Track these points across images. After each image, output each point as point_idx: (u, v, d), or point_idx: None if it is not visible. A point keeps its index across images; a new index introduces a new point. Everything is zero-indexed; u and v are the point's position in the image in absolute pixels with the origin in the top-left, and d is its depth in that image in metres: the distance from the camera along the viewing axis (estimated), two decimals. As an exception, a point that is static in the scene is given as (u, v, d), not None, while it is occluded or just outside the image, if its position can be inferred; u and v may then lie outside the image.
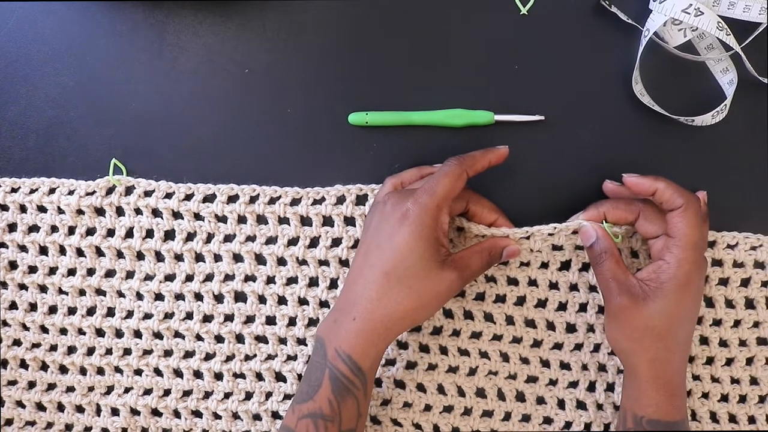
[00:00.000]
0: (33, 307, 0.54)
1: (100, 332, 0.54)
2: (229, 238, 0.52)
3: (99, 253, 0.53)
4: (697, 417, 0.51)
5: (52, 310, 0.54)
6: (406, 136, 0.51)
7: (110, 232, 0.52)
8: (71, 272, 0.53)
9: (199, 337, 0.53)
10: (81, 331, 0.54)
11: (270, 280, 0.52)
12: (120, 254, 0.53)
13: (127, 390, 0.54)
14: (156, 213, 0.52)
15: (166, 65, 0.51)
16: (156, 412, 0.54)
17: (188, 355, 0.53)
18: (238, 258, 0.52)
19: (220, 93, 0.51)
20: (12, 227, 0.53)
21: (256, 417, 0.53)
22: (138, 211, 0.52)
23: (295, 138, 0.51)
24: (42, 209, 0.53)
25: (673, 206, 0.43)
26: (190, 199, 0.52)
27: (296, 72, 0.51)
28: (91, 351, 0.54)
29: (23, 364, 0.54)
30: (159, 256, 0.52)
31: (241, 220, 0.52)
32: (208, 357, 0.53)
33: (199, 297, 0.52)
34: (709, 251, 0.49)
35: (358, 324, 0.43)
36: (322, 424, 0.43)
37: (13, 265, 0.53)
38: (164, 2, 0.51)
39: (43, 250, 0.53)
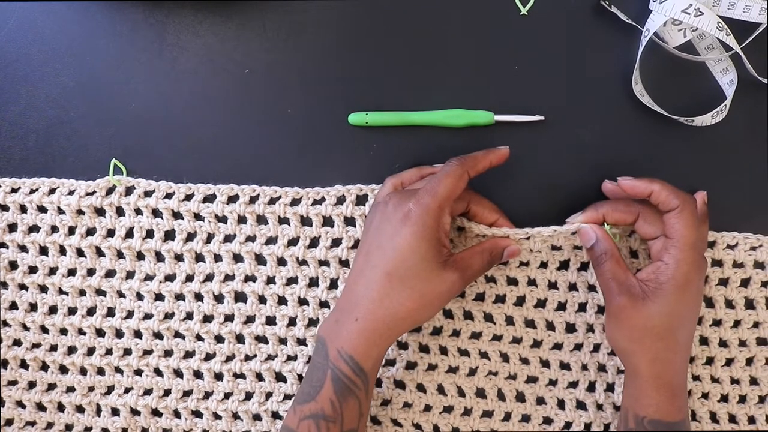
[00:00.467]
0: (33, 307, 0.54)
1: (100, 332, 0.54)
2: (229, 239, 0.52)
3: (99, 253, 0.53)
4: (697, 417, 0.51)
5: (53, 310, 0.54)
6: (406, 136, 0.51)
7: (110, 233, 0.52)
8: (71, 272, 0.53)
9: (199, 338, 0.53)
10: (81, 332, 0.54)
11: (270, 281, 0.52)
12: (120, 254, 0.53)
13: (127, 390, 0.54)
14: (156, 213, 0.52)
15: (166, 65, 0.51)
16: (156, 412, 0.54)
17: (188, 355, 0.53)
18: (238, 258, 0.52)
19: (220, 93, 0.51)
20: (12, 227, 0.53)
21: (256, 417, 0.53)
22: (138, 212, 0.52)
23: (295, 138, 0.51)
24: (42, 209, 0.53)
25: (669, 207, 0.43)
26: (190, 200, 0.52)
27: (296, 72, 0.51)
28: (91, 351, 0.54)
29: (23, 364, 0.54)
30: (159, 257, 0.52)
31: (241, 220, 0.52)
32: (208, 357, 0.53)
33: (199, 297, 0.52)
34: (709, 251, 0.49)
35: (360, 324, 0.43)
36: (324, 425, 0.43)
37: (13, 265, 0.53)
38: (164, 2, 0.51)
39: (44, 251, 0.53)
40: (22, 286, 0.54)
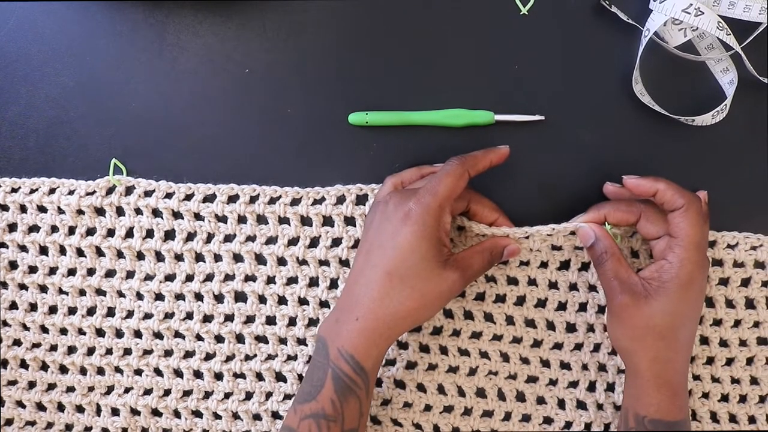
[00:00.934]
0: (33, 307, 0.54)
1: (100, 332, 0.54)
2: (229, 238, 0.52)
3: (99, 253, 0.53)
4: (698, 417, 0.51)
5: (53, 310, 0.54)
6: (406, 136, 0.51)
7: (110, 232, 0.52)
8: (71, 272, 0.53)
9: (199, 337, 0.53)
10: (81, 331, 0.54)
11: (270, 280, 0.52)
12: (120, 254, 0.53)
13: (127, 390, 0.54)
14: (156, 213, 0.52)
15: (166, 65, 0.51)
16: (156, 412, 0.54)
17: (188, 355, 0.53)
18: (238, 258, 0.52)
19: (220, 93, 0.51)
20: (12, 227, 0.53)
21: (257, 417, 0.53)
22: (138, 211, 0.52)
23: (295, 138, 0.51)
24: (42, 209, 0.53)
25: (674, 207, 0.43)
26: (190, 199, 0.52)
27: (296, 72, 0.51)
28: (91, 351, 0.54)
29: (23, 364, 0.54)
30: (159, 256, 0.52)
31: (242, 220, 0.52)
32: (208, 357, 0.53)
33: (199, 297, 0.52)
34: (710, 251, 0.49)
35: (361, 324, 0.43)
36: (324, 424, 0.43)
37: (13, 265, 0.53)
38: (164, 2, 0.51)
39: (44, 250, 0.53)
40: (22, 286, 0.54)
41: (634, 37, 0.49)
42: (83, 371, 0.54)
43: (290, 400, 0.53)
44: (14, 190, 0.53)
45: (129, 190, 0.52)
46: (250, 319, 0.52)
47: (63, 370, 0.54)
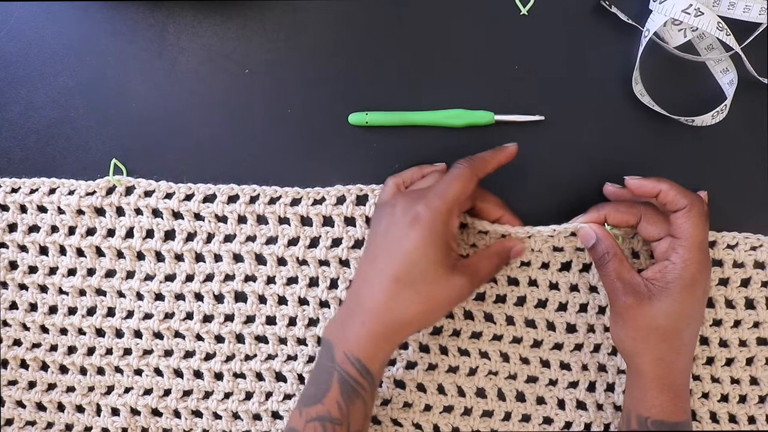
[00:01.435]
0: (33, 307, 0.54)
1: (100, 332, 0.54)
2: (229, 238, 0.52)
3: (99, 253, 0.53)
4: (697, 417, 0.51)
5: (53, 310, 0.54)
6: (406, 136, 0.51)
7: (110, 233, 0.52)
8: (71, 272, 0.53)
9: (199, 337, 0.53)
10: (81, 331, 0.54)
11: (270, 280, 0.52)
12: (120, 254, 0.53)
13: (127, 390, 0.54)
14: (156, 213, 0.52)
15: (166, 65, 0.51)
16: (156, 412, 0.54)
17: (188, 355, 0.53)
18: (238, 258, 0.52)
19: (220, 93, 0.51)
20: (12, 227, 0.53)
21: (257, 417, 0.53)
22: (138, 211, 0.52)
23: (295, 138, 0.51)
24: (42, 209, 0.53)
25: (677, 207, 0.43)
26: (190, 199, 0.52)
27: (296, 72, 0.51)
28: (91, 351, 0.54)
29: (23, 364, 0.54)
30: (159, 256, 0.52)
31: (242, 220, 0.52)
32: (208, 357, 0.53)
33: (199, 297, 0.52)
34: (710, 251, 0.49)
35: (368, 327, 0.43)
36: (330, 427, 0.43)
37: (13, 265, 0.53)
38: (164, 2, 0.51)
39: (44, 250, 0.53)
40: (22, 286, 0.54)
41: (634, 37, 0.49)
42: (83, 371, 0.54)
43: (290, 400, 0.53)
44: (14, 190, 0.53)
45: (129, 191, 0.52)
46: (250, 319, 0.52)
47: (63, 370, 0.54)
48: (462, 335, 0.51)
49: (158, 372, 0.54)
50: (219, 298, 0.52)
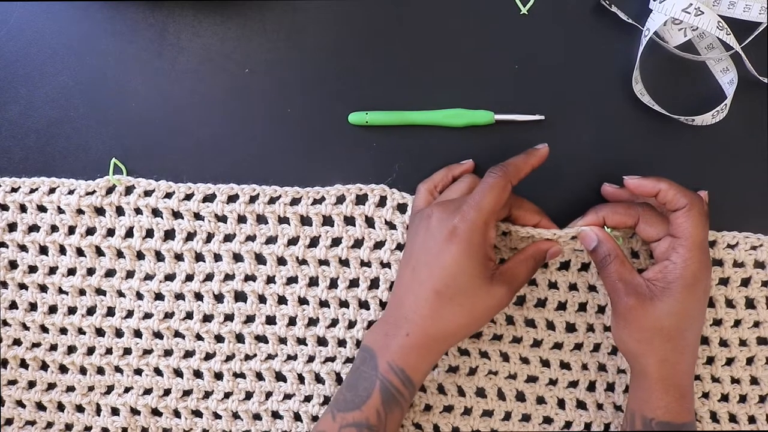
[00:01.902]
0: (33, 306, 0.54)
1: (100, 332, 0.54)
2: (229, 238, 0.52)
3: (99, 252, 0.53)
4: (698, 417, 0.51)
5: (52, 309, 0.54)
6: (406, 136, 0.51)
7: (110, 232, 0.52)
8: (71, 272, 0.53)
9: (199, 337, 0.53)
10: (81, 331, 0.54)
11: (270, 280, 0.52)
12: (120, 254, 0.53)
13: (127, 390, 0.54)
14: (156, 213, 0.52)
15: (166, 65, 0.52)
16: (156, 412, 0.54)
17: (188, 354, 0.53)
18: (238, 258, 0.52)
19: (220, 93, 0.51)
20: (12, 227, 0.53)
21: (256, 417, 0.53)
22: (138, 211, 0.52)
23: (295, 138, 0.51)
24: (42, 209, 0.53)
25: (676, 207, 0.43)
26: (190, 199, 0.52)
27: (296, 72, 0.51)
28: (91, 351, 0.54)
29: (23, 364, 0.54)
30: (159, 256, 0.52)
31: (241, 219, 0.52)
32: (208, 357, 0.53)
33: (199, 297, 0.52)
34: (710, 251, 0.49)
35: (412, 339, 0.43)
36: None
37: (13, 265, 0.53)
38: (164, 2, 0.51)
39: (43, 250, 0.53)
40: (22, 286, 0.54)
41: (634, 37, 0.49)
42: (83, 371, 0.54)
43: (290, 399, 0.53)
44: (14, 190, 0.53)
45: (129, 190, 0.52)
46: (250, 319, 0.52)
47: (63, 369, 0.54)
48: (462, 335, 0.51)
49: (158, 372, 0.54)
50: (219, 298, 0.52)
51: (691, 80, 0.50)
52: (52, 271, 0.53)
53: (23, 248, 0.53)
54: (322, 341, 0.52)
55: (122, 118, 0.52)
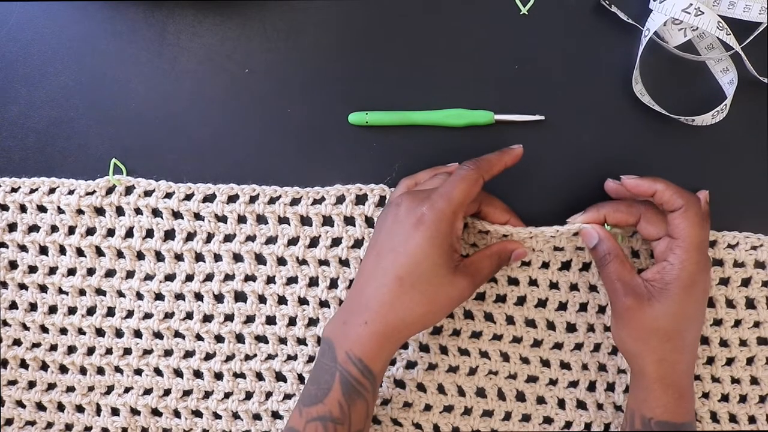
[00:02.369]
0: (33, 306, 0.54)
1: (100, 332, 0.54)
2: (229, 238, 0.52)
3: (99, 252, 0.53)
4: (698, 417, 0.51)
5: (52, 309, 0.54)
6: (406, 136, 0.51)
7: (110, 232, 0.52)
8: (71, 272, 0.53)
9: (199, 337, 0.53)
10: (81, 331, 0.54)
11: (270, 280, 0.52)
12: (120, 254, 0.53)
13: (127, 390, 0.54)
14: (156, 213, 0.52)
15: (166, 65, 0.52)
16: (156, 412, 0.54)
17: (188, 354, 0.53)
18: (238, 258, 0.52)
19: (220, 93, 0.51)
20: (12, 227, 0.53)
21: (256, 417, 0.53)
22: (138, 211, 0.52)
23: (295, 138, 0.51)
24: (42, 209, 0.53)
25: (673, 207, 0.43)
26: (190, 199, 0.52)
27: (296, 72, 0.51)
28: (91, 351, 0.54)
29: (23, 364, 0.54)
30: (159, 256, 0.52)
31: (241, 219, 0.52)
32: (208, 357, 0.53)
33: (199, 297, 0.52)
34: (710, 251, 0.49)
35: (370, 327, 0.43)
36: (332, 427, 0.43)
37: (13, 265, 0.53)
38: (164, 2, 0.51)
39: (43, 250, 0.53)
40: (22, 286, 0.54)
41: (634, 37, 0.49)
42: (83, 371, 0.54)
43: (290, 400, 0.53)
44: (14, 190, 0.53)
45: (129, 190, 0.52)
46: (250, 319, 0.52)
47: (63, 369, 0.54)
48: (462, 335, 0.51)
49: (158, 372, 0.54)
50: (219, 298, 0.52)
51: (691, 80, 0.50)
52: (52, 271, 0.53)
53: (23, 248, 0.53)
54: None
55: (122, 118, 0.52)
